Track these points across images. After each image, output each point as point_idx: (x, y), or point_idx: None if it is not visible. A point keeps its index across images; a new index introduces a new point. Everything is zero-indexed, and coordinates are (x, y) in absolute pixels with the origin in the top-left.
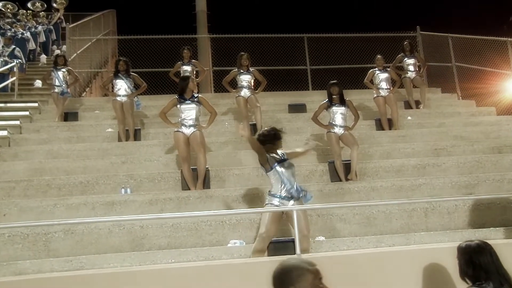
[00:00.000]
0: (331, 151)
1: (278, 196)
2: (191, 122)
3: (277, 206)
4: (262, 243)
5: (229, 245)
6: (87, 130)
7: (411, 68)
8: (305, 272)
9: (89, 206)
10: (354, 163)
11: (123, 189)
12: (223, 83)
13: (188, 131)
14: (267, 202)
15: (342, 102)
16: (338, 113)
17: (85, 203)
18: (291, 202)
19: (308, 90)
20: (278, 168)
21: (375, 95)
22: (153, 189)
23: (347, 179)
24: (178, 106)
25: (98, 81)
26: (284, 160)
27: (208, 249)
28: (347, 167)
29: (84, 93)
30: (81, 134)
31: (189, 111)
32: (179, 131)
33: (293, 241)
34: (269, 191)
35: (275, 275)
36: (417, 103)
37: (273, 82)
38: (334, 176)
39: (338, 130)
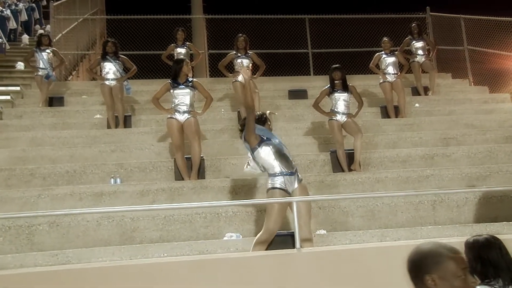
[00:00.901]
0: (333, 140)
1: (280, 173)
2: (185, 108)
3: (283, 189)
4: (268, 235)
5: (225, 238)
6: (73, 116)
7: (420, 51)
8: (445, 260)
9: (76, 197)
10: (358, 152)
11: (112, 179)
12: (219, 67)
13: (182, 117)
14: (270, 187)
15: (345, 88)
16: (341, 100)
17: (72, 193)
18: (295, 178)
19: (310, 75)
20: (267, 143)
21: (381, 81)
22: (144, 179)
23: (350, 170)
24: (172, 91)
25: (85, 64)
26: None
27: (202, 243)
28: (350, 157)
29: (71, 76)
30: (67, 121)
31: (183, 97)
32: (173, 118)
33: (293, 234)
34: (268, 174)
35: (410, 259)
36: (426, 89)
37: (272, 66)
38: (336, 167)
39: (341, 118)
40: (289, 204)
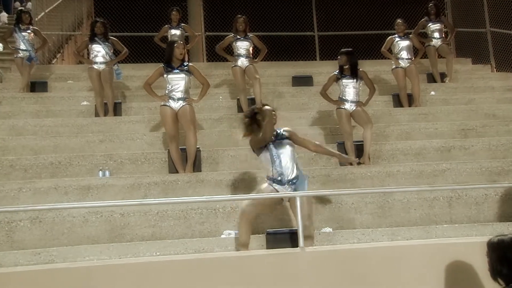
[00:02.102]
0: (340, 131)
1: (271, 179)
2: (180, 95)
3: (275, 190)
4: (242, 225)
5: (222, 236)
6: (58, 103)
7: (437, 34)
8: None
9: (60, 190)
10: (368, 144)
11: (100, 172)
12: (216, 50)
13: (176, 105)
14: (266, 185)
15: (354, 74)
16: (350, 87)
17: (56, 187)
18: (283, 188)
19: (316, 60)
20: (270, 146)
21: (393, 66)
22: (135, 172)
23: (358, 163)
24: (165, 76)
25: (70, 46)
26: (281, 138)
27: (198, 241)
28: (359, 149)
29: (55, 59)
30: (51, 108)
31: (177, 82)
32: (166, 105)
33: (295, 232)
34: (266, 175)
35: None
36: (443, 75)
37: (275, 50)
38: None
39: (349, 106)
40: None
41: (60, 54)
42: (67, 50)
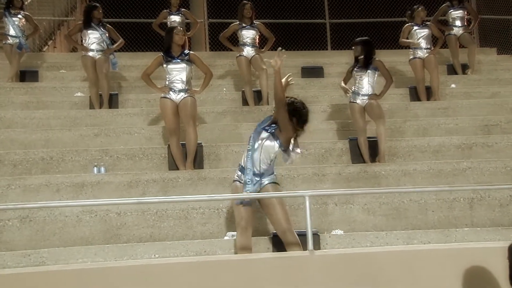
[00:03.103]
0: (353, 126)
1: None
2: (180, 86)
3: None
4: (240, 235)
5: (225, 238)
6: (50, 93)
7: (458, 22)
8: None
9: (52, 187)
10: (382, 142)
11: (95, 168)
12: (220, 39)
13: (177, 97)
14: (235, 178)
15: (367, 65)
16: (363, 78)
17: (48, 184)
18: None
19: (327, 49)
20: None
21: (411, 57)
22: (133, 168)
23: (373, 161)
24: (164, 65)
25: (63, 32)
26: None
27: (200, 242)
28: (373, 145)
29: (46, 47)
30: (43, 99)
31: (178, 72)
32: (166, 98)
33: (303, 234)
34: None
35: None
36: (464, 67)
37: (282, 39)
38: (357, 157)
39: (361, 100)
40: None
41: (51, 41)
42: (59, 37)
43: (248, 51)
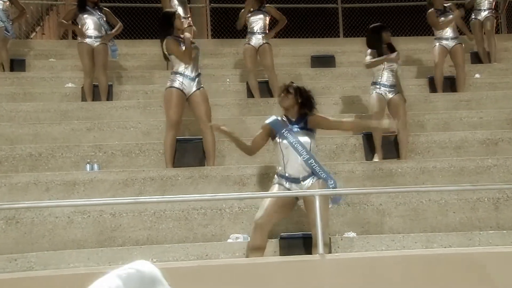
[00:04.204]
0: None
1: (284, 176)
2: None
3: (287, 189)
4: (254, 234)
5: (229, 240)
6: (38, 84)
7: (485, 5)
8: None
9: (41, 186)
10: (403, 145)
11: (88, 165)
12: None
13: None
14: (275, 182)
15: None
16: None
17: (36, 182)
18: (298, 186)
19: (339, 37)
20: (284, 136)
21: (436, 44)
22: (129, 165)
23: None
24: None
25: (52, 17)
26: (300, 128)
27: (201, 245)
28: (385, 141)
29: (34, 33)
30: (30, 90)
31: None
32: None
33: (311, 237)
34: (276, 170)
35: None
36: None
37: (291, 25)
38: (371, 153)
39: (384, 91)
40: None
41: (39, 27)
42: (48, 22)
43: (256, 40)
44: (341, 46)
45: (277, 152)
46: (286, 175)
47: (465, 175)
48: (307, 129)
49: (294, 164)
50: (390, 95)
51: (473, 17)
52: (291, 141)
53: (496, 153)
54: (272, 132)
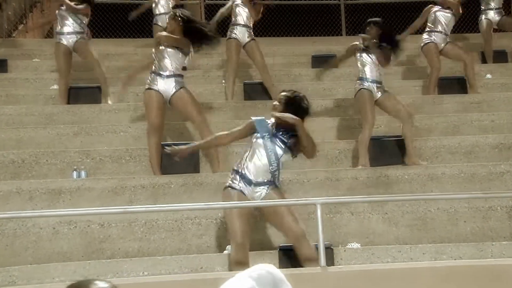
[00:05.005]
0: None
1: (239, 173)
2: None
3: (240, 191)
4: (236, 251)
5: (225, 252)
6: (21, 86)
7: (494, 3)
8: None
9: (24, 195)
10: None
11: (75, 172)
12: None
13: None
14: (227, 186)
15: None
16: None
17: (19, 190)
18: (247, 189)
19: (341, 35)
20: (264, 139)
21: (425, 42)
22: (118, 172)
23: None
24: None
25: (36, 15)
26: (282, 141)
27: (195, 257)
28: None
29: (16, 32)
30: (13, 92)
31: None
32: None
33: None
34: (233, 167)
35: None
36: (501, 54)
37: (290, 22)
38: (376, 159)
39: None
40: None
41: (22, 25)
42: (32, 20)
43: (241, 34)
44: (344, 45)
45: (248, 148)
46: (242, 172)
47: (476, 182)
48: (288, 147)
49: (257, 167)
50: (378, 93)
51: (483, 17)
52: (268, 147)
53: (509, 158)
54: (253, 130)
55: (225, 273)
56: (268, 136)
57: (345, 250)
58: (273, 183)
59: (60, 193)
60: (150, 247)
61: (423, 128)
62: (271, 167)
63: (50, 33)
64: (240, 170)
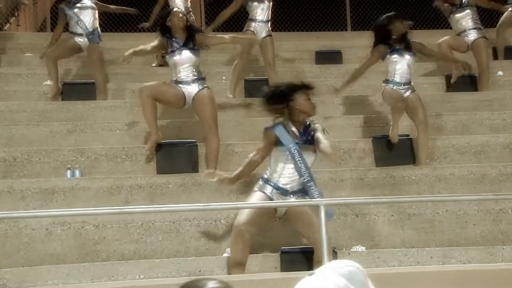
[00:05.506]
0: (378, 121)
1: (273, 184)
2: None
3: (269, 197)
4: (236, 245)
5: (225, 254)
6: (13, 81)
7: None
8: None
9: (16, 194)
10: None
11: (69, 171)
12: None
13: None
14: (256, 189)
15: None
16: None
17: (10, 190)
18: (282, 198)
19: (346, 30)
20: (291, 151)
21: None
22: (114, 172)
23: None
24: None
25: (29, 7)
26: (304, 141)
27: (194, 260)
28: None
29: (7, 25)
30: (4, 88)
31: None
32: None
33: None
34: (262, 175)
35: None
36: None
37: (294, 18)
38: (382, 158)
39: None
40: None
41: (14, 18)
42: (24, 12)
43: (260, 29)
44: (349, 41)
45: (275, 159)
46: (279, 184)
47: (486, 183)
48: (312, 143)
49: (291, 178)
50: (406, 94)
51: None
52: (297, 159)
53: None
54: (276, 141)
55: (225, 277)
56: (294, 147)
57: (349, 254)
58: (309, 194)
59: (54, 193)
60: (146, 249)
61: (431, 127)
62: (303, 179)
63: (43, 26)
64: (274, 182)
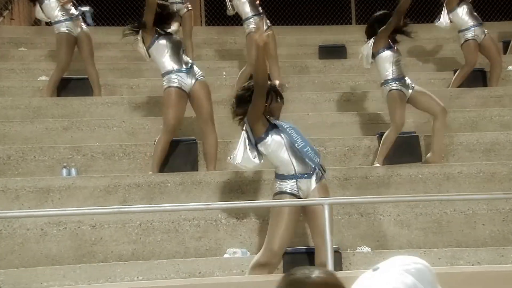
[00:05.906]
0: (384, 118)
1: (292, 176)
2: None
3: (294, 195)
4: (269, 257)
5: (225, 255)
6: (7, 77)
7: None
8: None
9: (10, 194)
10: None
11: (65, 169)
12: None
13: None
14: (277, 191)
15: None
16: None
17: (4, 189)
18: (313, 179)
19: (351, 24)
20: (277, 130)
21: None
22: (111, 170)
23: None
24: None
25: (23, 1)
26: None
27: (194, 261)
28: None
29: (1, 18)
30: None
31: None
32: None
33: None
34: (276, 173)
35: None
36: None
37: (297, 11)
38: (388, 156)
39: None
40: (305, 213)
41: (7, 11)
42: (18, 6)
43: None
44: (353, 35)
45: (276, 154)
46: (298, 174)
47: (496, 182)
48: None
49: (299, 158)
50: (410, 90)
51: None
52: (286, 126)
53: None
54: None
55: (225, 278)
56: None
57: (354, 254)
58: (312, 162)
59: (49, 192)
60: (145, 250)
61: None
62: (297, 145)
63: (37, 20)
64: (295, 174)
